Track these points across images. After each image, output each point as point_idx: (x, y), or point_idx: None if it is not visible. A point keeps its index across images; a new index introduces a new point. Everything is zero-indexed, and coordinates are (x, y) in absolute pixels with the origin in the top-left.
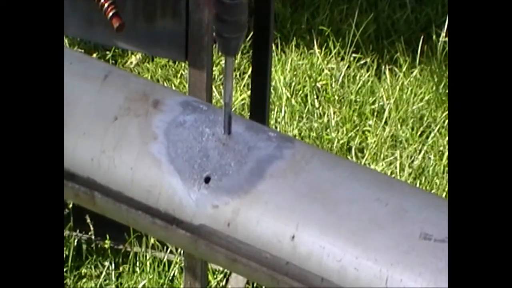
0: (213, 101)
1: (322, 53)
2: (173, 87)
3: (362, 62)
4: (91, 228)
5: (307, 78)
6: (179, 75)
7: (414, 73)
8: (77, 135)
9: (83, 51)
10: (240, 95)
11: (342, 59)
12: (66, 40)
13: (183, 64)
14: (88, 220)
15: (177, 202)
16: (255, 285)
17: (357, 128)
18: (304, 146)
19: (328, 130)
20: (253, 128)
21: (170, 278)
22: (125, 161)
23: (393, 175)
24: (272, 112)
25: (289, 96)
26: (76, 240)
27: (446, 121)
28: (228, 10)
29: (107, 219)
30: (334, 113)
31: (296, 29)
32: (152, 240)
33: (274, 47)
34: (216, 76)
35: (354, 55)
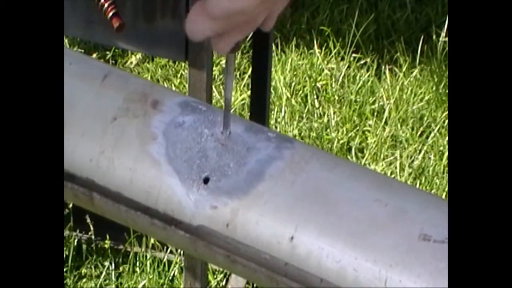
0: (213, 101)
1: (322, 53)
2: (173, 87)
3: (362, 62)
4: (91, 228)
5: (307, 78)
6: (179, 75)
7: (414, 73)
8: (76, 135)
9: (83, 51)
10: (240, 95)
11: (342, 59)
12: (66, 40)
13: (183, 64)
14: (88, 220)
15: (176, 203)
16: (255, 285)
17: (357, 128)
18: (304, 147)
19: (328, 130)
20: (252, 128)
21: (170, 278)
22: (124, 162)
23: (393, 175)
24: (272, 112)
25: (289, 96)
26: (76, 240)
27: (446, 121)
28: None
29: (107, 219)
30: (334, 113)
31: (296, 29)
32: (152, 240)
33: (274, 47)
34: (216, 76)
35: (354, 55)
